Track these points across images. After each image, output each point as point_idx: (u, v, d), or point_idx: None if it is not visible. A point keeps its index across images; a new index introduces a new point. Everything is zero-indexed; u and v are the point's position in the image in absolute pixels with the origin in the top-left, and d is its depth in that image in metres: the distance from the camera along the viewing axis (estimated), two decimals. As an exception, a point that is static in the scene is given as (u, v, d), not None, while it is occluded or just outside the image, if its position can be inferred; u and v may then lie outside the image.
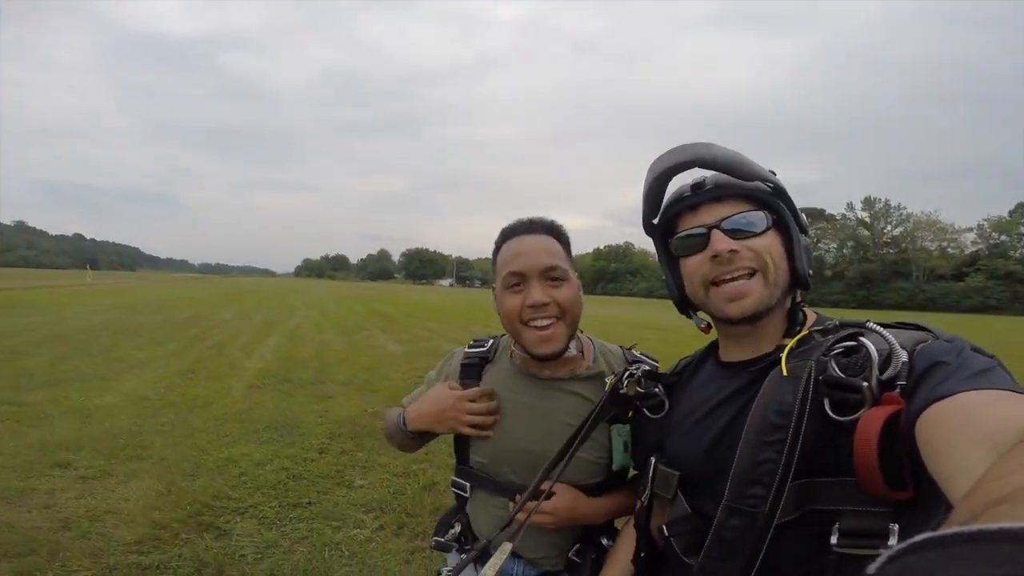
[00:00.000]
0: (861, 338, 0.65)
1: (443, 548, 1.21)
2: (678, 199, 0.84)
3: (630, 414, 0.98)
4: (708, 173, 0.81)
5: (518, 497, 1.00)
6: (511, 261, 1.06)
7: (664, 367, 1.06)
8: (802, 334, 0.74)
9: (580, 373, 1.11)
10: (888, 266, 69.29)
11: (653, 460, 0.89)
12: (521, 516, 0.96)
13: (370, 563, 2.67)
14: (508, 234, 1.11)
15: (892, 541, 0.59)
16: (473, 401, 1.10)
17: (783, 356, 0.70)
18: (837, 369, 0.64)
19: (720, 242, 0.78)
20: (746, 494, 0.65)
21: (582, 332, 1.16)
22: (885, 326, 0.71)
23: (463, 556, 1.05)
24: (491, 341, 1.25)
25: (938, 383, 0.58)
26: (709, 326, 0.89)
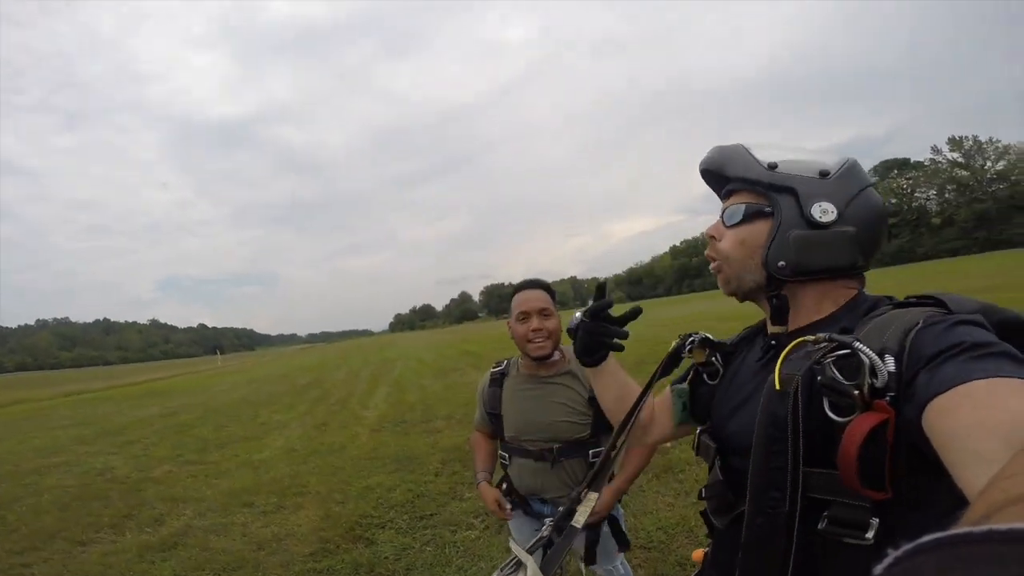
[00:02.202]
0: (855, 345, 0.65)
1: None
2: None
3: (690, 376, 1.02)
4: None
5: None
6: (521, 304, 1.70)
7: None
8: (796, 341, 0.73)
9: (560, 371, 1.73)
10: (1003, 202, 61.16)
11: (699, 429, 0.94)
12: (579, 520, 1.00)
13: (479, 554, 3.32)
14: (520, 288, 1.76)
15: (869, 534, 0.63)
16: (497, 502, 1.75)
17: (776, 366, 0.71)
18: (837, 373, 0.65)
19: (709, 229, 0.87)
20: (767, 497, 0.68)
21: (563, 347, 1.76)
22: (899, 305, 0.72)
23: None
24: (506, 362, 1.86)
25: (938, 369, 0.57)
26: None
